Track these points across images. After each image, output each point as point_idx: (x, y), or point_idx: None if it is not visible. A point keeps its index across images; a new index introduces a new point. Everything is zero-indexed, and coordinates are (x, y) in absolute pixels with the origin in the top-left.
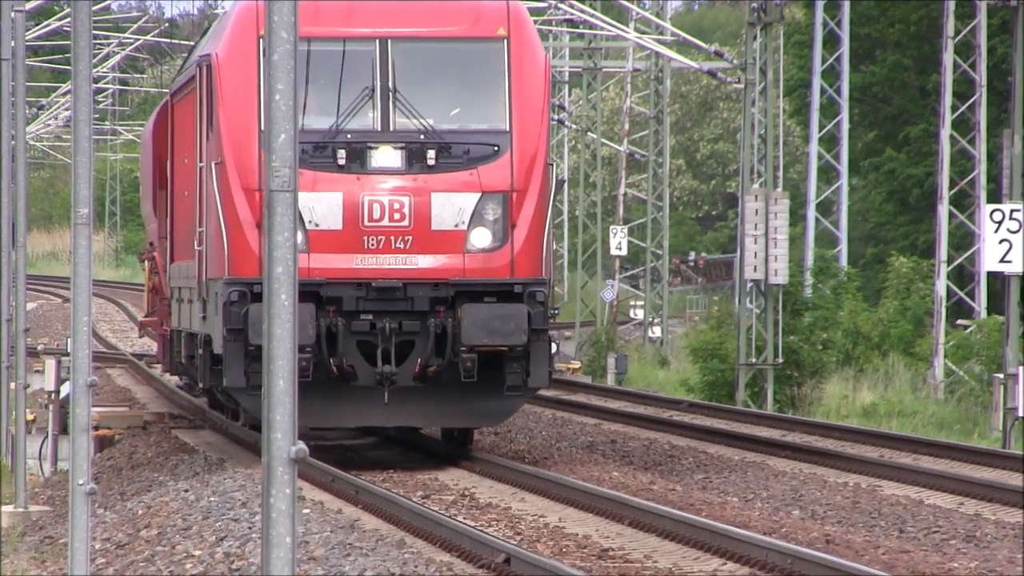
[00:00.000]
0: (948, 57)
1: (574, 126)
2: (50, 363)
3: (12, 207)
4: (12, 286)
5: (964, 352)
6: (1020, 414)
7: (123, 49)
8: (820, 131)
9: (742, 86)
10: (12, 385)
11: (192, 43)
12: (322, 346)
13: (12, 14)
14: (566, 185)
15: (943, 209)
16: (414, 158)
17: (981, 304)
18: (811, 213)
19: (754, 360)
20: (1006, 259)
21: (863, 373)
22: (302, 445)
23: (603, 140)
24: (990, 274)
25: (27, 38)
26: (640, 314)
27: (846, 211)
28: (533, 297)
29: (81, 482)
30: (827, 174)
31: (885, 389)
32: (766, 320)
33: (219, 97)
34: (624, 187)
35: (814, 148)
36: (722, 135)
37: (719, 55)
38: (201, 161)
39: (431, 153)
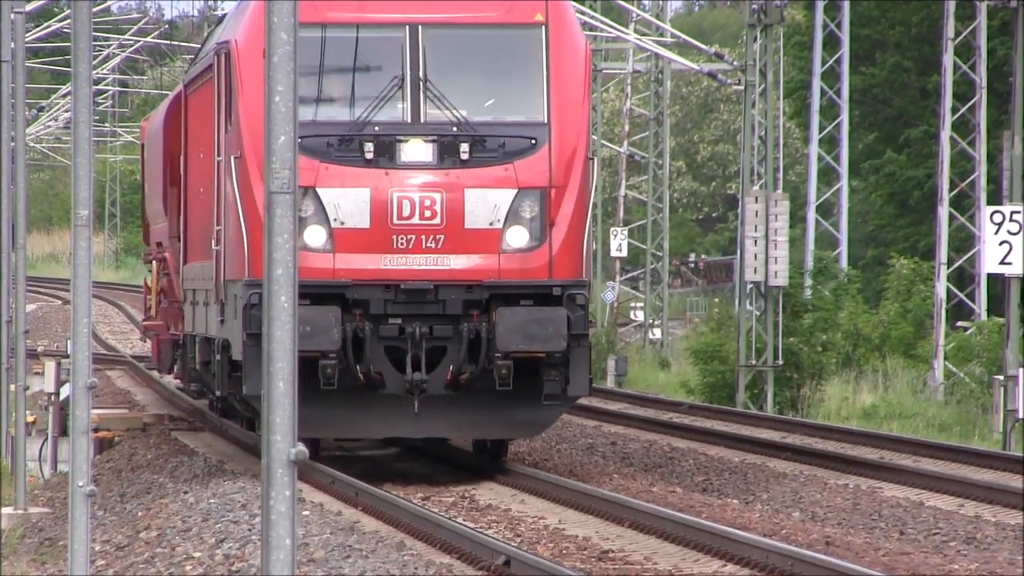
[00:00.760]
0: (948, 59)
1: None
2: (50, 365)
3: (12, 208)
4: (12, 288)
5: (964, 354)
6: (1020, 416)
7: (123, 51)
8: (820, 133)
9: (742, 88)
10: (12, 387)
11: (197, 44)
12: (348, 352)
13: (12, 15)
14: None
15: (943, 211)
16: (446, 152)
17: (981, 306)
18: (811, 215)
19: (754, 362)
20: (1006, 261)
21: (863, 375)
22: (302, 447)
23: (603, 142)
24: (990, 276)
25: (27, 39)
26: (640, 316)
27: (846, 213)
28: (573, 300)
29: (81, 484)
30: (827, 176)
31: (885, 391)
32: (766, 322)
33: (239, 86)
34: (624, 189)
35: (814, 150)
36: (722, 137)
37: (719, 57)
38: (219, 155)
39: (464, 146)
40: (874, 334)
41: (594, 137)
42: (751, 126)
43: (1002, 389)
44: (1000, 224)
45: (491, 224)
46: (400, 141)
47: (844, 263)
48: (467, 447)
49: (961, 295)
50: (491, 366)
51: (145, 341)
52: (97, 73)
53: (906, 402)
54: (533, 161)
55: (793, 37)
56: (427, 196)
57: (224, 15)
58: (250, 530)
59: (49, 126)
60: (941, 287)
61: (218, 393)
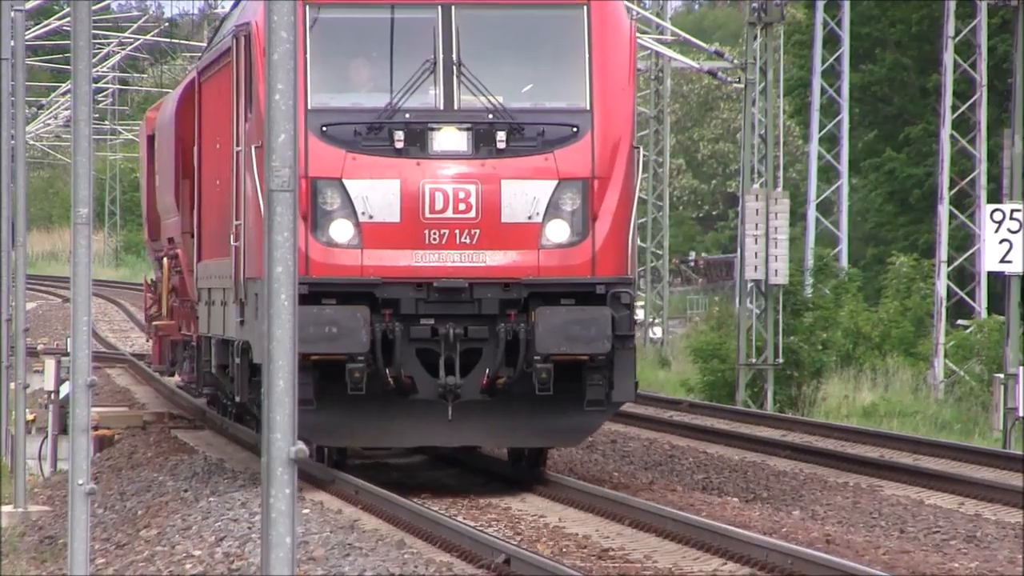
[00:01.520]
0: (948, 57)
1: None
2: (50, 363)
3: (12, 207)
4: (12, 286)
5: (964, 352)
6: (1020, 414)
7: (123, 49)
8: (820, 131)
9: (742, 86)
10: (12, 385)
11: (197, 43)
12: (377, 355)
13: (12, 13)
14: None
15: (943, 209)
16: (482, 141)
17: (981, 304)
18: (811, 213)
19: (754, 360)
20: (1006, 259)
21: (863, 373)
22: (302, 445)
23: None
24: (990, 274)
25: (27, 37)
26: (640, 314)
27: (846, 211)
28: (617, 299)
29: (80, 482)
30: (827, 174)
31: (885, 389)
32: (766, 320)
33: (260, 71)
34: None
35: (814, 148)
36: (722, 135)
37: (719, 55)
38: (238, 145)
39: (501, 135)
40: (874, 332)
41: None
42: (751, 124)
43: (1002, 387)
44: (1000, 222)
45: (530, 218)
46: (432, 129)
47: (844, 261)
48: (503, 456)
49: (961, 293)
50: (530, 369)
51: (148, 341)
52: (97, 71)
53: (906, 400)
54: (575, 150)
55: (793, 35)
56: (461, 188)
57: (226, 14)
58: (250, 528)
59: (49, 124)
60: (941, 285)
61: (237, 399)
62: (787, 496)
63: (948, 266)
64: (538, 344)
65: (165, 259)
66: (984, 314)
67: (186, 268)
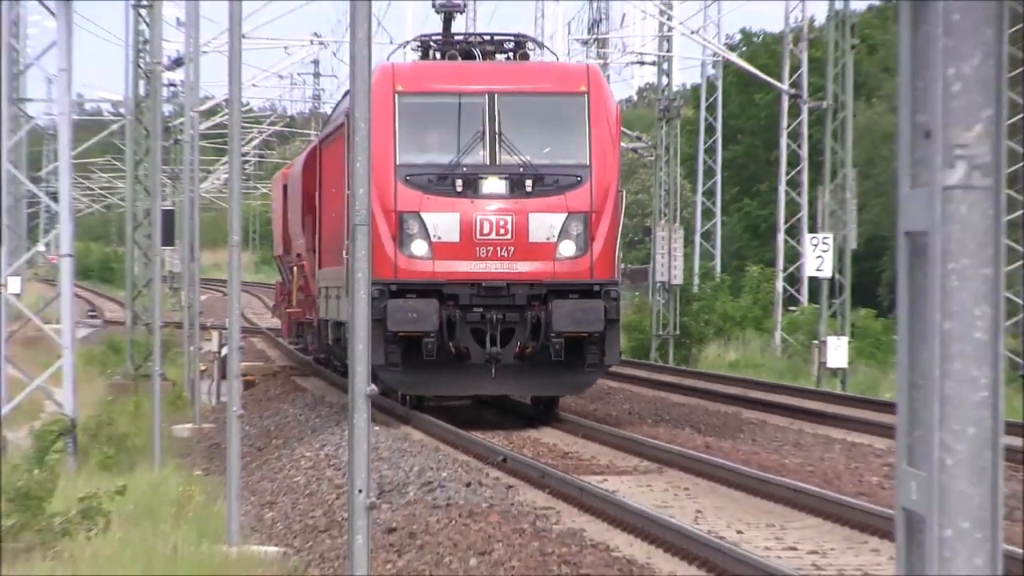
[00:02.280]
0: (783, 140)
1: None
2: (215, 334)
3: (191, 236)
4: (191, 285)
5: (793, 327)
6: (828, 365)
7: (260, 135)
8: (703, 187)
9: (653, 159)
10: (192, 347)
11: (308, 131)
12: (443, 332)
13: (192, 113)
14: None
15: (780, 237)
16: (515, 186)
17: (804, 297)
18: (697, 239)
19: (661, 332)
20: (820, 268)
21: (730, 341)
22: (373, 387)
23: None
24: (810, 278)
25: (201, 128)
26: None
27: (719, 238)
28: (608, 294)
29: (235, 409)
30: (708, 214)
31: (744, 351)
32: (669, 307)
33: None
34: None
35: (699, 198)
36: (641, 190)
37: (639, 139)
38: (348, 189)
39: (528, 182)
40: (737, 315)
41: None
42: (659, 183)
43: (816, 349)
44: (816, 245)
45: (548, 239)
46: (481, 178)
47: (718, 270)
48: (526, 401)
49: (792, 290)
50: (548, 342)
51: (275, 318)
52: (244, 149)
53: (756, 358)
54: (579, 192)
55: (686, 126)
56: (501, 218)
57: (339, 101)
58: (341, 439)
59: (215, 183)
60: (779, 285)
61: (345, 363)
62: (681, 419)
63: (784, 272)
64: (554, 325)
65: (295, 267)
66: (806, 303)
67: (309, 273)
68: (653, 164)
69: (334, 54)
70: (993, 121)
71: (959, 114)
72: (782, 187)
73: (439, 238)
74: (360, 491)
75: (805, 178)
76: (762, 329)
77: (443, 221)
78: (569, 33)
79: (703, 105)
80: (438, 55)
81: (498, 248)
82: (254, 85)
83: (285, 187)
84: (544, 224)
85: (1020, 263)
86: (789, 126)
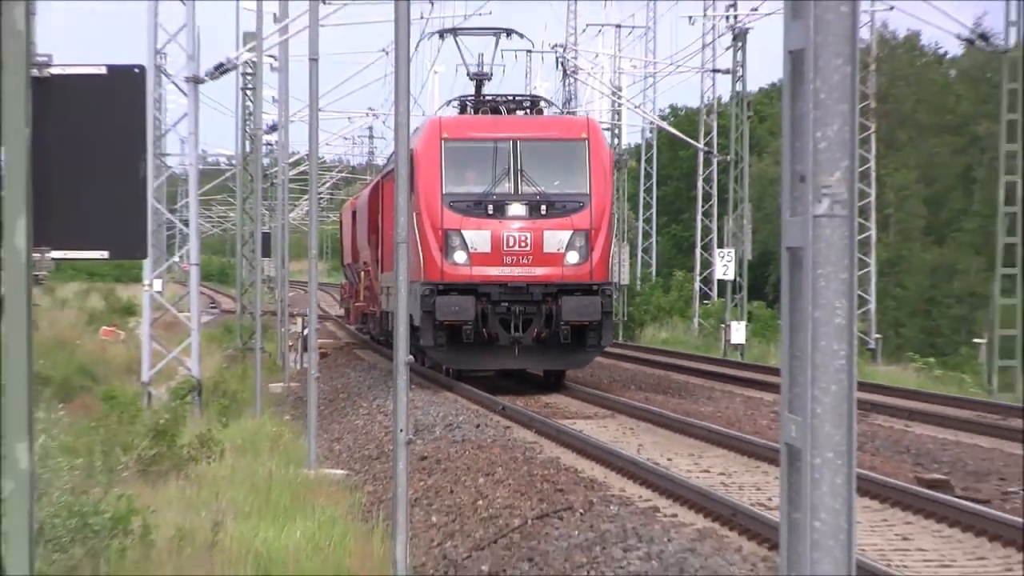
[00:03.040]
0: (699, 183)
1: None
2: (299, 319)
3: (282, 250)
4: (282, 285)
5: (706, 314)
6: (731, 341)
7: (331, 179)
8: (643, 216)
9: None
10: (282, 329)
11: (367, 176)
12: (478, 321)
13: (283, 164)
14: None
15: (698, 251)
16: (533, 210)
17: (715, 293)
18: (640, 253)
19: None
20: (725, 273)
21: (663, 324)
22: (411, 357)
23: None
24: (719, 280)
25: (288, 175)
26: None
27: (655, 252)
28: (603, 292)
29: (313, 373)
30: (646, 235)
31: (672, 331)
32: (619, 300)
33: (417, 173)
34: None
35: (640, 224)
36: None
37: None
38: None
39: (543, 207)
40: (667, 306)
41: None
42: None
43: (723, 330)
44: (723, 257)
45: (558, 250)
46: (507, 204)
47: (654, 275)
48: (539, 375)
49: (705, 289)
50: (558, 329)
51: (341, 309)
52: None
53: (681, 337)
54: (582, 215)
55: (631, 173)
56: (522, 234)
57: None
58: (387, 394)
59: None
60: (696, 285)
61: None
62: (628, 380)
63: (699, 276)
64: (563, 315)
65: (361, 272)
66: (716, 298)
67: (373, 277)
68: None
69: (383, 122)
70: (848, 169)
71: (824, 164)
72: (699, 216)
73: (475, 249)
74: (401, 430)
75: (715, 210)
76: (685, 316)
77: (478, 236)
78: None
79: (643, 158)
80: (473, 111)
81: (520, 257)
82: (326, 144)
83: (353, 213)
84: (555, 239)
85: (867, 270)
86: (703, 173)
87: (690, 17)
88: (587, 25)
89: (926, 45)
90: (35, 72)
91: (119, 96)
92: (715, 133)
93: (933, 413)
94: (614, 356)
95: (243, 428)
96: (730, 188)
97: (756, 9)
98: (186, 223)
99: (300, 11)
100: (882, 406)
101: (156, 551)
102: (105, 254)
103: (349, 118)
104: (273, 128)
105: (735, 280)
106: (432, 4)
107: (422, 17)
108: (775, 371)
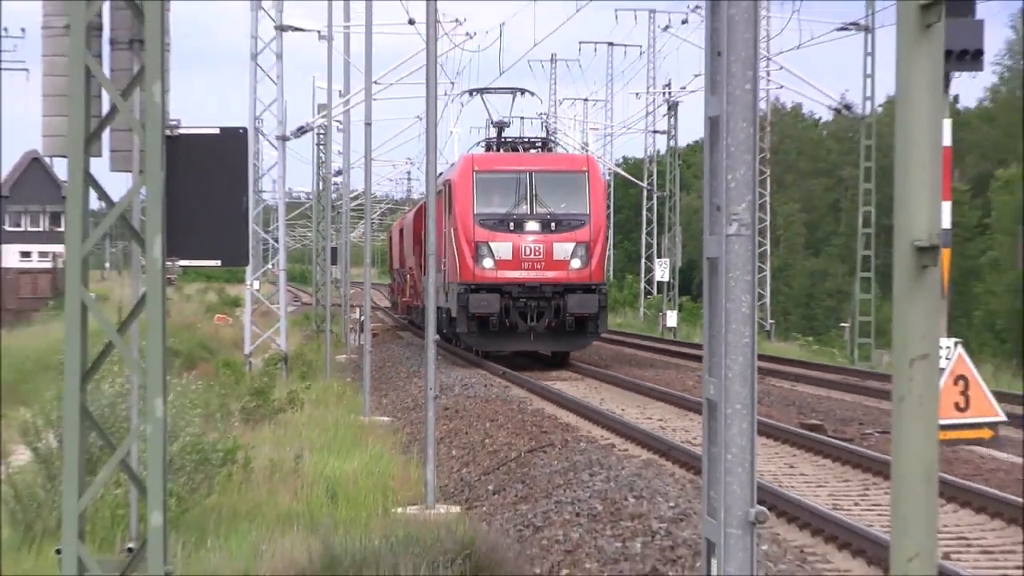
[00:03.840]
0: (644, 212)
1: None
2: (357, 309)
3: (345, 259)
4: (345, 285)
5: (649, 305)
6: (667, 325)
7: (380, 209)
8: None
9: None
10: (345, 316)
11: (404, 207)
12: (502, 313)
13: (346, 199)
14: None
15: (643, 260)
16: (545, 226)
17: (655, 290)
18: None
19: None
20: (662, 276)
21: (617, 313)
22: (438, 336)
23: None
24: (658, 281)
25: (350, 205)
26: None
27: (612, 261)
28: (600, 291)
29: (368, 348)
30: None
31: (625, 317)
32: None
33: (454, 198)
34: None
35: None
36: None
37: None
38: (444, 228)
39: (553, 224)
40: (621, 299)
41: None
42: None
43: (661, 317)
44: (661, 265)
45: (565, 257)
46: (525, 221)
47: (612, 276)
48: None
49: (649, 287)
50: (564, 319)
51: (389, 303)
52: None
53: (631, 321)
54: (583, 230)
55: None
56: (536, 245)
57: (441, 172)
58: (420, 362)
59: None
60: (642, 285)
61: (444, 331)
62: (592, 353)
63: (644, 278)
64: (568, 309)
65: (407, 275)
66: (655, 293)
67: (416, 279)
68: None
69: (417, 167)
70: (751, 202)
71: (734, 198)
72: (643, 236)
73: (500, 257)
74: (431, 389)
75: (656, 230)
76: (633, 307)
77: (502, 247)
78: None
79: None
80: (497, 149)
81: (535, 263)
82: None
83: (400, 231)
84: (562, 249)
85: (764, 274)
86: (647, 204)
87: (637, 93)
88: (563, 99)
89: (806, 113)
90: (168, 132)
91: (228, 149)
92: (655, 176)
93: (812, 376)
94: None
95: (317, 388)
96: (666, 215)
97: (684, 87)
98: (276, 240)
99: (358, 89)
100: (775, 372)
101: (254, 476)
102: (218, 262)
103: (393, 165)
104: (339, 173)
105: (670, 281)
106: (453, 84)
107: (445, 94)
108: (698, 346)
